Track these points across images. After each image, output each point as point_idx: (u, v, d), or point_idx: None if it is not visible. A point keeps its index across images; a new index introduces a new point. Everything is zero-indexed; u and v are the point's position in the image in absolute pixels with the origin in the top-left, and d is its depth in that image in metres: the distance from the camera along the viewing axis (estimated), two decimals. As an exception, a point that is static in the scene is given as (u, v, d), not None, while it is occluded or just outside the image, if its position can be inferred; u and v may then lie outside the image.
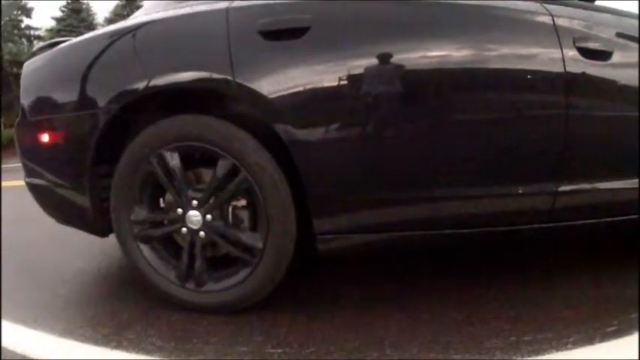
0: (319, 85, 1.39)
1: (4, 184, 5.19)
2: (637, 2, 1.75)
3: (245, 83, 1.39)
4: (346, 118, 1.42)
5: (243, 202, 1.53)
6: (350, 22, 1.43)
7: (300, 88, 1.39)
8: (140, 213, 1.56)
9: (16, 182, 5.22)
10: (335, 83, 1.39)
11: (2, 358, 1.33)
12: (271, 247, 1.44)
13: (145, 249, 1.58)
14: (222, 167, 1.44)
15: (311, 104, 1.40)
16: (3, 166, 6.79)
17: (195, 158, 1.54)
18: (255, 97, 1.39)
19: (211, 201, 1.48)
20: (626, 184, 1.51)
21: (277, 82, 1.39)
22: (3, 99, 15.07)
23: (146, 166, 1.51)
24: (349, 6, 1.44)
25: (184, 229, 1.51)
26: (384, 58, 1.38)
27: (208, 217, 1.48)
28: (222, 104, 1.53)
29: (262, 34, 1.41)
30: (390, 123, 1.44)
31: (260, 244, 1.45)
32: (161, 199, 1.64)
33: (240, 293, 1.49)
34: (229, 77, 1.40)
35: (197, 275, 1.52)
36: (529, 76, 1.42)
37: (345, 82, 1.39)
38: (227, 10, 1.46)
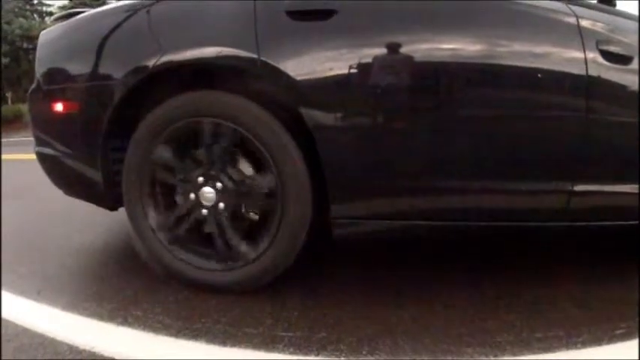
0: (345, 70, 1.36)
1: (9, 156, 5.19)
2: (637, 3, 1.72)
3: (270, 62, 1.37)
4: (371, 105, 1.40)
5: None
6: (379, 6, 1.40)
7: (327, 72, 1.37)
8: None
9: (20, 155, 5.24)
10: (361, 69, 1.36)
11: (2, 330, 1.32)
12: (285, 228, 1.42)
13: (183, 253, 1.54)
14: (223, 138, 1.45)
15: (336, 89, 1.38)
16: (8, 140, 6.79)
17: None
18: (280, 77, 1.37)
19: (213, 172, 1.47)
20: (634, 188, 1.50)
21: (303, 64, 1.37)
22: (13, 73, 14.99)
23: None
24: None
25: (204, 211, 1.50)
26: (394, 48, 1.36)
27: (219, 184, 1.47)
28: (243, 82, 1.50)
29: (289, 13, 1.39)
30: (409, 113, 1.42)
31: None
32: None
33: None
34: (254, 55, 1.38)
35: (236, 250, 1.49)
36: (539, 75, 1.40)
37: (370, 69, 1.36)
38: None
